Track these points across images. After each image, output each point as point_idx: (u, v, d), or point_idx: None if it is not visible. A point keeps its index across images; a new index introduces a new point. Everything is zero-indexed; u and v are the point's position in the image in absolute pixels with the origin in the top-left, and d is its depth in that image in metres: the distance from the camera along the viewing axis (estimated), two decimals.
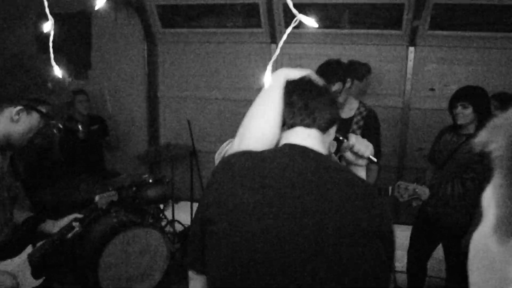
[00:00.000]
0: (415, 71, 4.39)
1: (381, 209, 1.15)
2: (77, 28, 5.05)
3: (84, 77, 5.12)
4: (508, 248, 0.43)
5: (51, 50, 1.36)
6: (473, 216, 2.61)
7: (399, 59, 4.43)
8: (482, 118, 2.74)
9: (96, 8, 1.26)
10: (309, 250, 1.06)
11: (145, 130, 5.20)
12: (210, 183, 1.23)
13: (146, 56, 4.99)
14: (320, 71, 2.74)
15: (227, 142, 1.87)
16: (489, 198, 0.48)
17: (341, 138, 1.59)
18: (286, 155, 1.22)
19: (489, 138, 0.48)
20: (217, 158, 1.83)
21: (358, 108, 2.95)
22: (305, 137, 1.28)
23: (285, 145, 1.28)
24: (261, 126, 1.34)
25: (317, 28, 3.93)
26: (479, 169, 2.66)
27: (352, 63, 3.61)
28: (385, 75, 4.49)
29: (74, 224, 2.13)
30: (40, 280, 2.00)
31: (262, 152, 1.25)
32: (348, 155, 1.60)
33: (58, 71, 1.60)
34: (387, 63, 4.46)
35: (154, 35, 4.92)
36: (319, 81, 1.36)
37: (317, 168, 1.19)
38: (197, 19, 4.82)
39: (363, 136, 2.84)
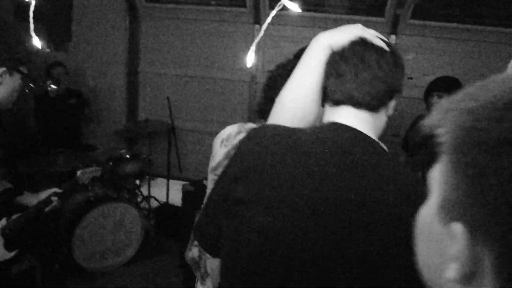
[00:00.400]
0: None
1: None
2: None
3: (64, 49, 5.03)
4: (449, 230, 0.44)
5: (31, 20, 1.34)
6: None
7: None
8: None
9: None
10: (352, 248, 0.88)
11: (124, 105, 5.16)
12: (239, 156, 1.03)
13: (128, 30, 4.92)
14: (298, 55, 2.79)
15: (234, 127, 1.75)
16: (435, 179, 0.48)
17: None
18: (334, 135, 1.01)
19: (438, 121, 0.47)
20: (222, 143, 1.76)
21: None
22: (352, 118, 1.05)
23: (331, 123, 1.06)
24: (298, 100, 1.14)
25: (302, 11, 3.96)
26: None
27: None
28: None
29: (52, 198, 2.13)
30: (13, 253, 2.01)
31: (301, 129, 1.06)
32: None
33: (37, 42, 1.59)
34: None
35: (137, 9, 4.85)
36: (379, 42, 1.10)
37: (370, 155, 0.98)
38: None
39: None
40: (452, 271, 0.44)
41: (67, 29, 5.04)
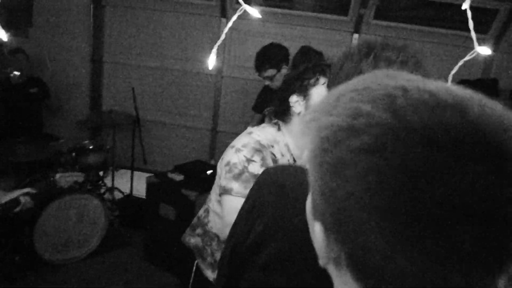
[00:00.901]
0: None
1: None
2: None
3: (24, 35, 4.88)
4: (313, 227, 0.53)
5: None
6: None
7: (344, 44, 4.60)
8: None
9: None
10: None
11: (87, 95, 5.08)
12: (258, 210, 0.91)
13: (92, 17, 4.83)
14: (257, 56, 2.90)
15: (241, 147, 1.63)
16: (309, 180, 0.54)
17: None
18: None
19: (302, 131, 0.51)
20: (232, 167, 1.62)
21: None
22: None
23: None
24: None
25: (269, 7, 4.00)
26: None
27: (305, 51, 3.47)
28: (330, 59, 4.64)
29: (21, 198, 2.07)
30: None
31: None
32: None
33: (2, 34, 1.57)
34: (332, 47, 4.62)
35: None
36: None
37: None
38: None
39: None
40: (320, 260, 0.53)
41: (28, 14, 4.89)
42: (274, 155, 1.66)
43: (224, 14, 4.57)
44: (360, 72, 0.93)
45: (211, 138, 4.97)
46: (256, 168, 1.57)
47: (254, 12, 0.99)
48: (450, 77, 1.01)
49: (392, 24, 4.37)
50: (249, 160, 1.59)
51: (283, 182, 0.92)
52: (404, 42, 0.97)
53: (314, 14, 4.45)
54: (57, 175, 2.52)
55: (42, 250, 3.05)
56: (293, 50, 4.59)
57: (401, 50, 0.94)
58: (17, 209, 2.07)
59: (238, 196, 1.57)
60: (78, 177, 2.61)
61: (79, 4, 4.82)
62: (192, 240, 1.95)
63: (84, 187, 3.61)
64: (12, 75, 3.94)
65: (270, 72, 3.00)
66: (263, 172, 0.98)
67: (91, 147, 3.81)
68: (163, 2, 4.70)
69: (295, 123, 1.65)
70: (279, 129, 1.69)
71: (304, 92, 1.61)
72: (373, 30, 4.44)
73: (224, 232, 1.41)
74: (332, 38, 4.58)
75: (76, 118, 4.64)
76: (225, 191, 1.63)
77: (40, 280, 2.95)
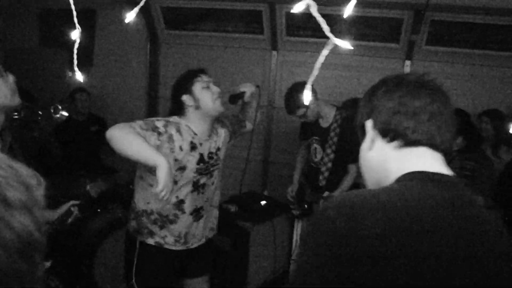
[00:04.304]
0: None
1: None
2: (81, 25, 5.10)
3: (86, 75, 5.17)
4: None
5: (75, 55, 1.40)
6: None
7: (396, 71, 4.53)
8: (467, 137, 2.94)
9: (127, 21, 1.32)
10: None
11: None
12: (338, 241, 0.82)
13: (148, 56, 5.06)
14: (285, 100, 3.04)
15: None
16: None
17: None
18: (442, 192, 0.88)
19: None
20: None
21: (335, 116, 3.22)
22: (439, 163, 0.97)
23: (425, 173, 0.93)
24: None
25: (318, 38, 4.04)
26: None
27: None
28: None
29: (72, 209, 2.19)
30: (49, 262, 2.04)
31: (391, 189, 0.91)
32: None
33: (79, 76, 1.63)
34: (384, 75, 4.57)
35: (158, 35, 5.00)
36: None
37: (478, 208, 0.90)
38: (201, 22, 4.91)
39: (340, 141, 3.15)
40: None
41: (89, 54, 5.19)
42: (178, 127, 2.28)
43: (275, 47, 4.66)
44: (387, 91, 1.04)
45: (263, 169, 4.99)
46: (159, 124, 2.23)
47: (345, 44, 1.00)
48: None
49: (445, 49, 4.28)
50: (157, 120, 2.26)
51: (350, 207, 0.84)
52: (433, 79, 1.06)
53: (365, 43, 4.44)
54: (88, 186, 2.73)
55: (101, 280, 3.13)
56: (346, 80, 4.58)
57: (429, 84, 1.04)
58: (70, 220, 2.17)
59: (137, 124, 2.14)
60: (103, 185, 2.84)
61: (137, 44, 5.07)
62: (131, 225, 2.46)
63: None
64: (58, 115, 4.15)
65: (301, 111, 3.08)
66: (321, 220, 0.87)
67: None
68: (215, 38, 4.86)
69: (191, 112, 2.34)
70: (179, 116, 2.36)
71: (189, 90, 2.34)
72: (425, 56, 4.37)
73: (110, 137, 2.05)
74: (385, 66, 4.54)
75: None
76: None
77: None
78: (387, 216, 0.81)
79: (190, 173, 2.35)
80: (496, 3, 3.67)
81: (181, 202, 2.39)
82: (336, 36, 1.02)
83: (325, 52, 0.99)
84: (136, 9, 1.22)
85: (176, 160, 2.26)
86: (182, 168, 2.32)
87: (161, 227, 2.39)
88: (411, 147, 0.98)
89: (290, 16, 4.37)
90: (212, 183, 2.53)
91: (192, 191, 2.40)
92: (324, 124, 3.26)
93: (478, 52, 4.22)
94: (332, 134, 3.18)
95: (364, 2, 3.83)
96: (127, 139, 2.02)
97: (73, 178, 3.79)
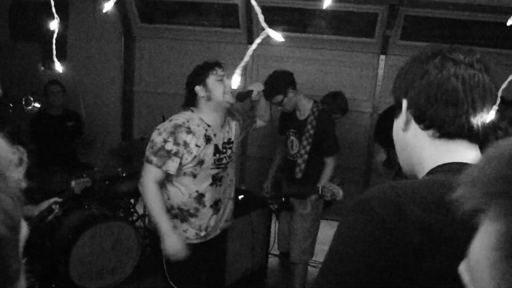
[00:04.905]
0: (385, 78, 4.56)
1: None
2: (53, 18, 5.00)
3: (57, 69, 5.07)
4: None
5: (53, 45, 1.36)
6: None
7: (371, 66, 4.59)
8: None
9: (104, 11, 1.29)
10: None
11: (119, 124, 5.21)
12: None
13: (123, 50, 4.99)
14: (264, 85, 3.07)
15: (162, 130, 2.36)
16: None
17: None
18: None
19: (480, 204, 0.46)
20: (154, 145, 2.32)
21: (312, 109, 3.24)
22: (470, 154, 0.91)
23: (447, 167, 0.90)
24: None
25: (290, 32, 4.08)
26: None
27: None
28: (357, 81, 4.65)
29: (53, 206, 2.18)
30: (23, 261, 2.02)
31: (425, 183, 0.87)
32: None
33: (59, 66, 1.58)
34: (359, 69, 4.62)
35: (132, 29, 4.93)
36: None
37: None
38: (176, 15, 4.86)
39: (317, 133, 3.19)
40: None
41: (63, 48, 5.09)
42: (188, 128, 2.33)
43: (251, 41, 4.65)
44: (425, 72, 0.92)
45: (241, 163, 5.00)
46: (170, 145, 2.28)
47: (278, 36, 0.97)
48: (499, 94, 0.94)
49: (419, 44, 4.34)
50: (165, 141, 2.29)
51: (396, 202, 0.82)
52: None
53: (341, 37, 4.48)
54: (72, 183, 2.70)
55: (77, 277, 3.09)
56: (322, 74, 4.62)
57: (467, 54, 0.91)
58: (50, 217, 2.17)
59: (155, 166, 2.30)
60: (87, 182, 2.82)
61: (111, 37, 5.00)
62: (152, 225, 2.52)
63: (117, 214, 3.66)
64: (30, 107, 4.07)
65: (278, 98, 3.12)
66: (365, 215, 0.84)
67: (123, 175, 3.87)
68: (190, 32, 4.82)
69: (203, 103, 2.41)
70: (192, 111, 2.44)
71: (203, 82, 2.39)
72: (400, 50, 4.43)
73: (142, 192, 2.38)
74: (359, 60, 4.59)
75: (109, 147, 4.75)
76: (147, 160, 2.34)
77: None
78: (429, 208, 0.79)
79: (208, 166, 2.44)
80: (468, 0, 3.75)
81: (201, 195, 2.47)
82: (311, 31, 1.02)
83: (257, 41, 0.95)
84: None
85: (194, 157, 2.36)
86: (201, 162, 2.40)
87: (182, 221, 2.49)
88: (447, 139, 0.92)
89: (267, 10, 4.37)
90: (228, 175, 2.61)
91: (211, 184, 2.49)
92: (300, 116, 3.30)
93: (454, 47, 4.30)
94: (309, 126, 3.21)
95: None
96: (149, 204, 2.40)
97: (54, 173, 3.73)
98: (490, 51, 4.18)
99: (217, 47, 4.84)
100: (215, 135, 2.47)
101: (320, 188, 2.99)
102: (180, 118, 2.39)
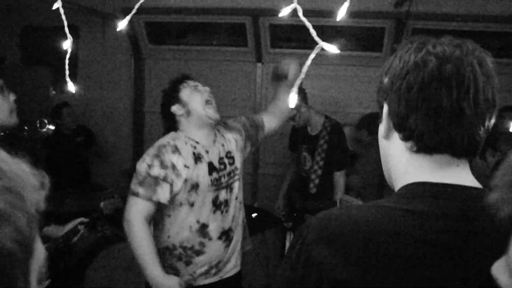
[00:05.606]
0: None
1: None
2: (64, 42, 5.06)
3: (71, 90, 5.12)
4: None
5: (66, 66, 1.37)
6: None
7: (378, 80, 4.58)
8: None
9: (118, 29, 1.30)
10: None
11: (130, 145, 5.23)
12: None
13: (133, 71, 5.04)
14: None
15: (145, 156, 2.10)
16: None
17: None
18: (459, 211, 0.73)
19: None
20: (138, 174, 2.06)
21: (323, 124, 3.24)
22: (465, 176, 0.80)
23: (424, 186, 0.78)
24: None
25: (303, 49, 4.08)
26: None
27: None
28: (369, 95, 4.64)
29: (79, 227, 2.16)
30: (47, 282, 2.00)
31: (386, 207, 0.78)
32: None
33: (72, 87, 1.60)
34: (367, 84, 4.61)
35: (141, 50, 4.98)
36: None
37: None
38: (184, 36, 4.91)
39: (330, 148, 3.18)
40: None
41: (73, 69, 5.15)
42: (175, 146, 2.08)
43: (260, 59, 4.67)
44: (406, 73, 0.80)
45: (253, 181, 4.97)
46: (156, 170, 2.01)
47: (332, 48, 0.95)
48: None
49: None
50: (150, 166, 2.02)
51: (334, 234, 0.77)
52: (463, 39, 0.85)
53: (347, 52, 4.48)
54: (101, 204, 2.66)
55: None
56: (330, 89, 4.61)
57: (457, 47, 0.81)
58: (75, 238, 2.13)
59: (143, 199, 1.98)
60: (119, 202, 2.77)
61: (121, 59, 5.05)
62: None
63: None
64: (45, 129, 4.11)
65: (291, 113, 3.11)
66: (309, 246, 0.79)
67: None
68: (199, 52, 4.86)
69: (184, 122, 2.16)
70: (176, 131, 2.19)
71: (176, 99, 2.16)
72: None
73: (126, 232, 2.01)
74: (368, 75, 4.59)
75: (121, 167, 4.76)
76: (132, 194, 2.03)
77: None
78: (364, 245, 0.73)
79: (205, 188, 2.11)
80: (476, 11, 3.75)
81: (203, 226, 2.13)
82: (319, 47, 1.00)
83: (313, 55, 0.94)
84: (128, 17, 1.20)
85: (185, 180, 2.06)
86: (195, 186, 2.09)
87: (187, 263, 2.15)
88: (425, 153, 0.80)
89: (274, 28, 4.40)
90: (236, 198, 2.25)
91: (214, 211, 2.14)
92: (312, 132, 3.31)
93: None
94: (321, 141, 3.21)
95: (347, 12, 3.87)
96: (136, 246, 2.01)
97: (67, 195, 3.73)
98: (499, 61, 4.15)
99: (225, 66, 4.86)
100: (207, 152, 2.16)
101: (338, 202, 2.96)
102: (164, 139, 2.16)
